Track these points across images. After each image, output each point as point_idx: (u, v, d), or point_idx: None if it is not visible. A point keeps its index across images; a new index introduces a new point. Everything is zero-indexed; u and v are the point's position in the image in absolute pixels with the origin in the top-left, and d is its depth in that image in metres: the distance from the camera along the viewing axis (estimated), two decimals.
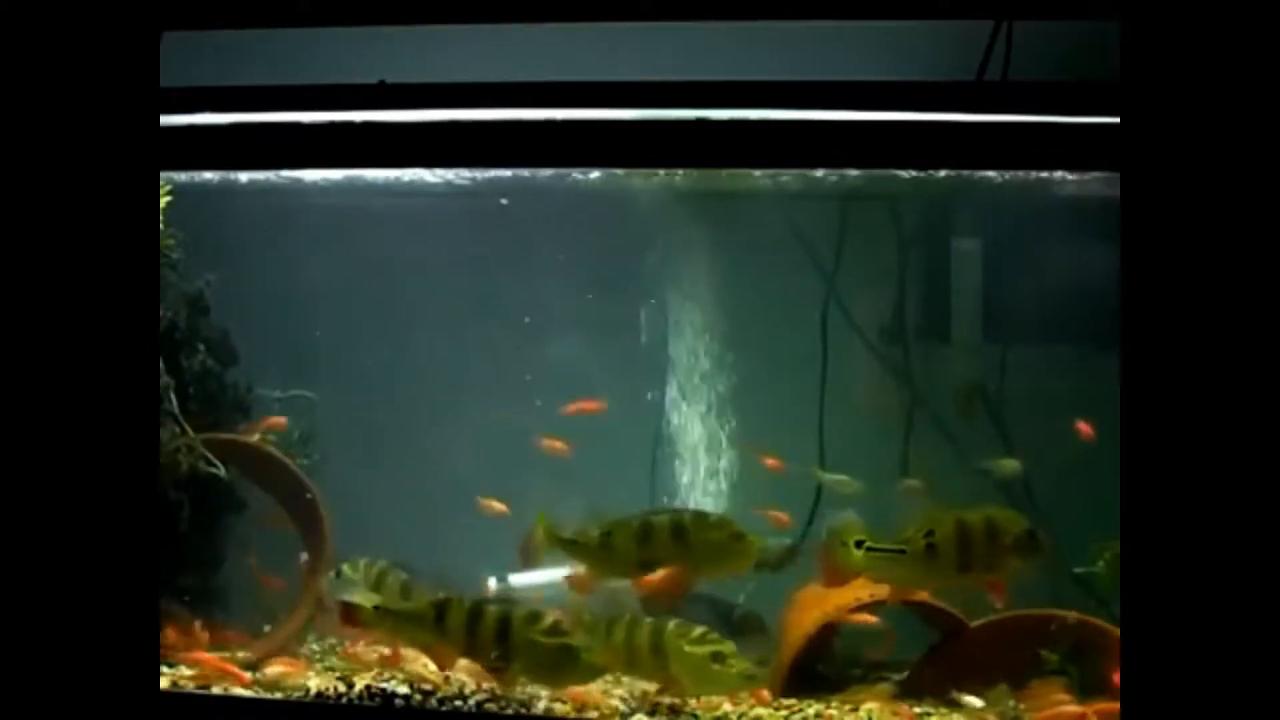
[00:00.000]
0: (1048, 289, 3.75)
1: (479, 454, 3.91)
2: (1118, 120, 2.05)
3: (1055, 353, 3.81)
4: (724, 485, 4.02)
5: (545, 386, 3.97)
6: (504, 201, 3.79)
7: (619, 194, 3.63)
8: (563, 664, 2.92)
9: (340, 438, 3.89)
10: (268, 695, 3.14)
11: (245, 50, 3.24)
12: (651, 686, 3.06)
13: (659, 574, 3.04)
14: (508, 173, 3.28)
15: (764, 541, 3.04)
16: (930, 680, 3.18)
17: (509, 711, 3.02)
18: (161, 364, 3.45)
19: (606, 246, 3.91)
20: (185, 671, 3.23)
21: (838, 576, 2.94)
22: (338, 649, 3.65)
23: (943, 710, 3.06)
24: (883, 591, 3.08)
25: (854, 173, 3.14)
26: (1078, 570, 3.36)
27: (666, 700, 3.04)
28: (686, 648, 2.92)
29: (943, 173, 3.04)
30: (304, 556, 3.66)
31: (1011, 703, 3.06)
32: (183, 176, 3.34)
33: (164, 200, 3.31)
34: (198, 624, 3.45)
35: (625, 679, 3.17)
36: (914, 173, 3.06)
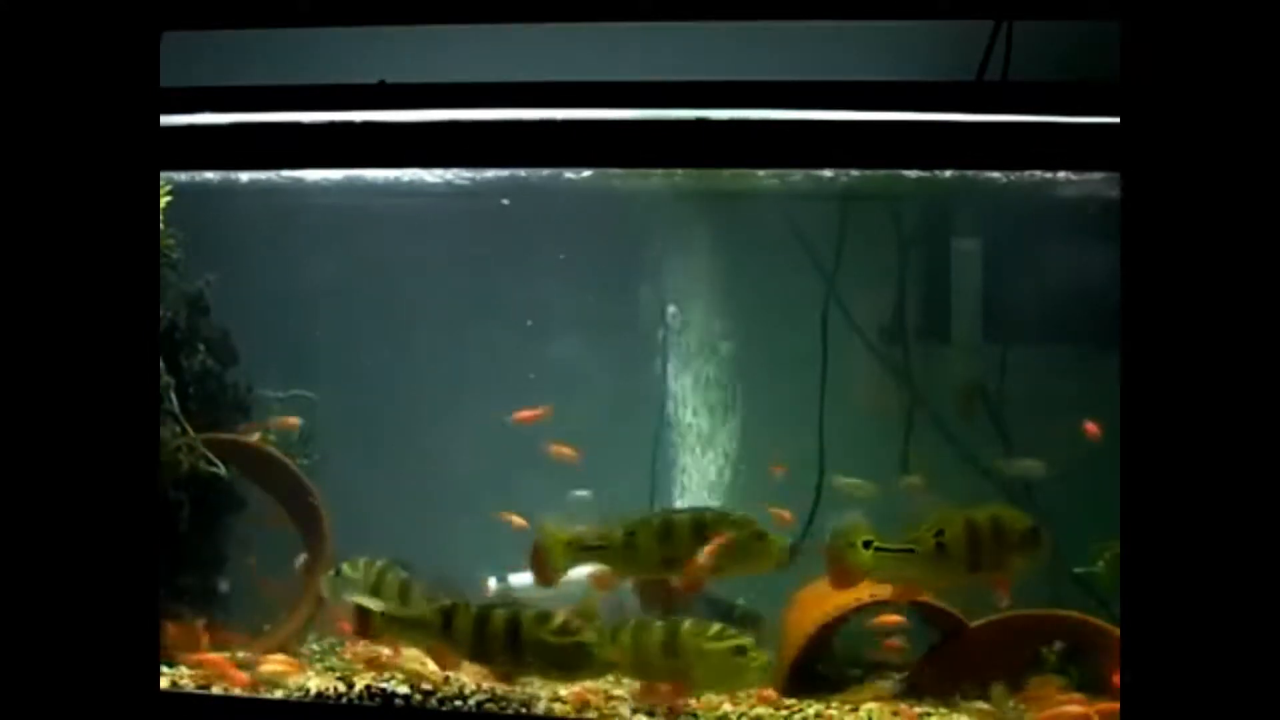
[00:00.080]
0: (1047, 289, 3.75)
1: (478, 454, 3.91)
2: (1118, 120, 2.06)
3: (1055, 353, 3.81)
4: (724, 484, 4.02)
5: (545, 386, 3.97)
6: (505, 202, 3.79)
7: (619, 194, 3.63)
8: (575, 662, 2.91)
9: (340, 437, 3.88)
10: (268, 695, 3.14)
11: (245, 50, 3.24)
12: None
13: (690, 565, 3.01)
14: (507, 173, 3.28)
15: (785, 540, 3.03)
16: (930, 680, 3.18)
17: (509, 711, 3.02)
18: (162, 364, 3.45)
19: (606, 246, 3.91)
20: (185, 671, 3.23)
21: (846, 577, 2.94)
22: (338, 649, 3.65)
23: (943, 710, 3.06)
24: (884, 592, 3.08)
25: (854, 173, 3.14)
26: (1078, 570, 3.36)
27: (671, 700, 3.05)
28: (706, 645, 2.91)
29: (943, 173, 3.04)
30: (301, 558, 3.67)
31: (1012, 703, 3.06)
32: (183, 176, 3.35)
33: (164, 200, 3.31)
34: (198, 623, 3.45)
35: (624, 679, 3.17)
36: (914, 173, 3.06)
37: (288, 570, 3.67)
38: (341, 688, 3.11)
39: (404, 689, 3.09)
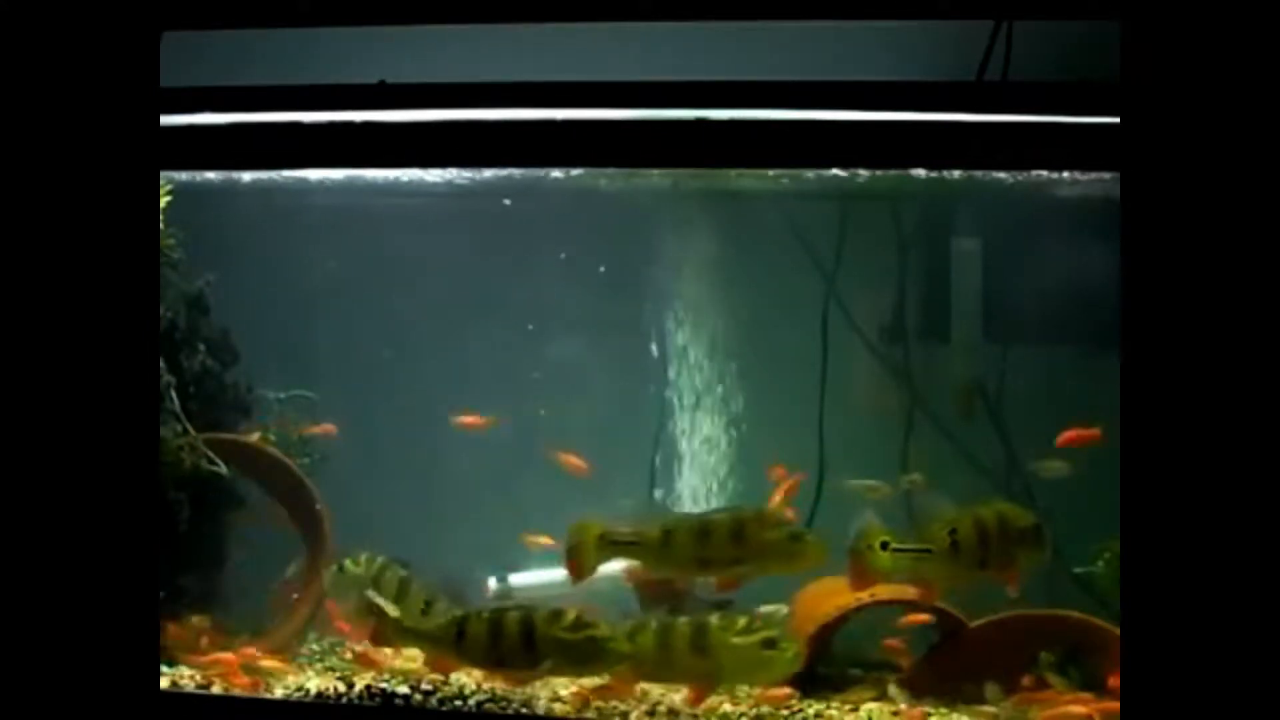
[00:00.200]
0: (1047, 289, 3.75)
1: (478, 453, 3.91)
2: (1118, 120, 2.06)
3: (1055, 353, 3.81)
4: (724, 484, 4.02)
5: (547, 386, 3.97)
6: (507, 202, 3.79)
7: (619, 194, 3.63)
8: (590, 656, 2.91)
9: (340, 437, 3.88)
10: (268, 695, 3.14)
11: (245, 50, 3.24)
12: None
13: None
14: (507, 172, 3.28)
15: (822, 541, 3.02)
16: (930, 680, 3.18)
17: (509, 711, 3.02)
18: (163, 363, 3.45)
19: (606, 247, 3.91)
20: (185, 671, 3.23)
21: (865, 578, 2.94)
22: (338, 649, 3.65)
23: (943, 710, 3.06)
24: (884, 592, 3.08)
25: (854, 172, 3.14)
26: (1078, 570, 3.36)
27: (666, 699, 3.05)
28: (734, 639, 2.89)
29: (942, 173, 3.04)
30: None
31: (1013, 703, 3.06)
32: (183, 176, 3.35)
33: (164, 200, 3.31)
34: (195, 622, 3.45)
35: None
36: (914, 173, 3.06)
37: (282, 573, 3.68)
38: (341, 688, 3.11)
39: (404, 689, 3.09)
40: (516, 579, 3.79)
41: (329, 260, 3.97)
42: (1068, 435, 3.33)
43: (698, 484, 4.02)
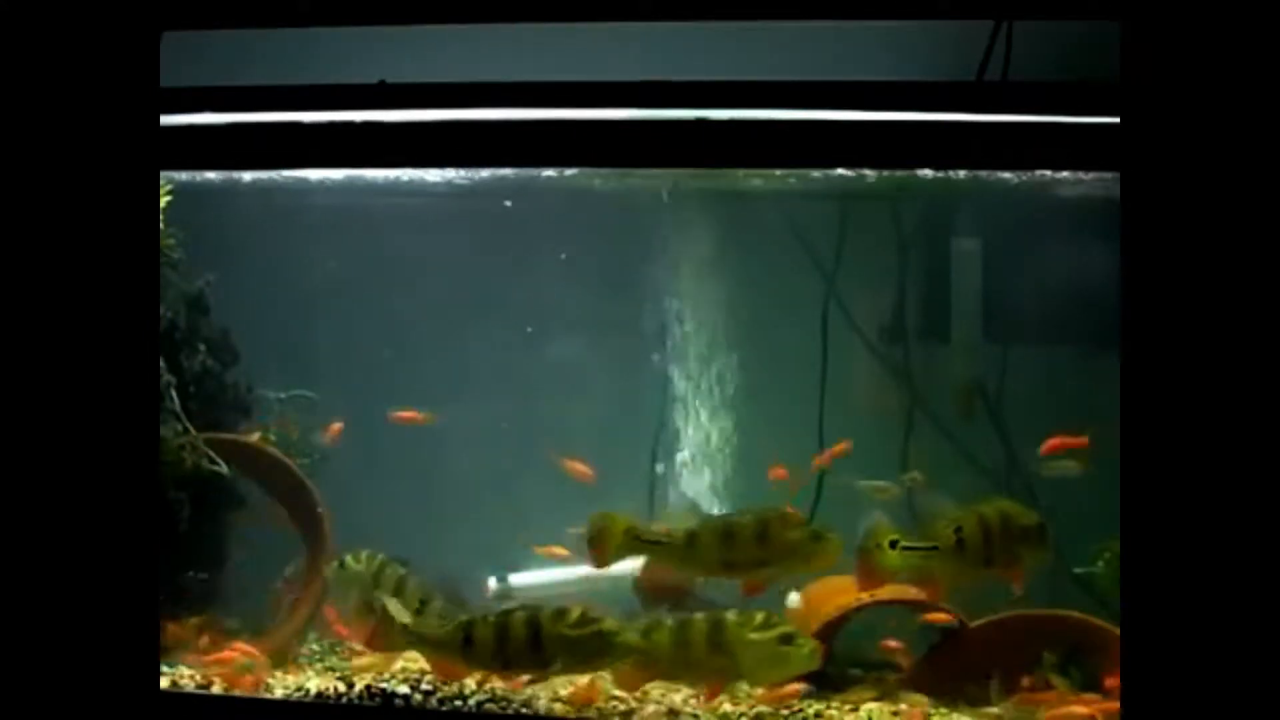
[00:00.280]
0: (1047, 289, 3.75)
1: (477, 453, 3.91)
2: (1118, 120, 2.06)
3: (1055, 353, 3.81)
4: (724, 483, 4.02)
5: (547, 385, 3.97)
6: (508, 204, 3.79)
7: (619, 194, 3.63)
8: (597, 651, 2.91)
9: (340, 437, 3.88)
10: (267, 695, 3.14)
11: (245, 50, 3.24)
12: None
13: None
14: (507, 172, 3.28)
15: (840, 541, 3.02)
16: (930, 680, 3.18)
17: (509, 711, 3.02)
18: (163, 363, 3.45)
19: (606, 247, 3.91)
20: (185, 671, 3.23)
21: (874, 577, 2.95)
22: (338, 649, 3.65)
23: (943, 710, 3.06)
24: (885, 593, 3.08)
25: (858, 172, 3.14)
26: (1078, 570, 3.36)
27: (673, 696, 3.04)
28: (752, 635, 2.89)
29: (942, 173, 3.04)
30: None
31: (1014, 703, 3.07)
32: (183, 176, 3.35)
33: (164, 200, 3.31)
34: (195, 622, 3.46)
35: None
36: (915, 173, 3.06)
37: (280, 574, 3.68)
38: (341, 688, 3.11)
39: (404, 689, 3.09)
40: (516, 579, 3.79)
41: (329, 260, 3.97)
42: (1052, 442, 3.34)
43: (698, 484, 4.02)
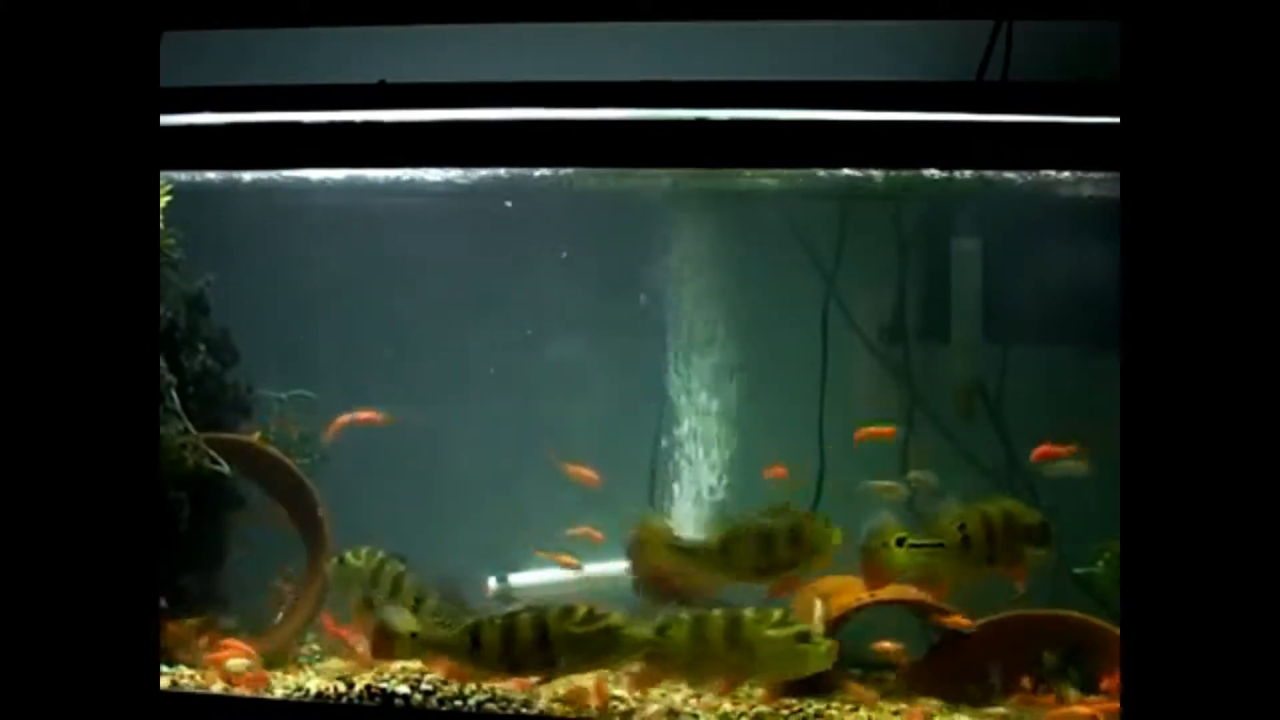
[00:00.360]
0: (1047, 289, 3.75)
1: (477, 453, 3.91)
2: (1118, 120, 2.06)
3: (1055, 353, 3.81)
4: (724, 483, 4.02)
5: (546, 385, 3.97)
6: (508, 204, 3.79)
7: (619, 194, 3.63)
8: (605, 647, 2.91)
9: (339, 437, 3.88)
10: (268, 695, 3.14)
11: (245, 50, 3.24)
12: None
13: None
14: (506, 172, 3.28)
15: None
16: (930, 680, 3.18)
17: (509, 711, 3.02)
18: (163, 363, 3.45)
19: (606, 247, 3.91)
20: (185, 671, 3.23)
21: (881, 576, 2.95)
22: (338, 650, 3.64)
23: (944, 710, 3.06)
24: (885, 593, 3.08)
25: (863, 172, 3.14)
26: (1078, 570, 3.36)
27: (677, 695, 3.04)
28: (769, 632, 2.88)
29: (942, 173, 3.04)
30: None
31: (1010, 702, 3.07)
32: (183, 176, 3.35)
33: (164, 200, 3.31)
34: (193, 623, 3.46)
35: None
36: (915, 173, 3.06)
37: (280, 571, 3.68)
38: (341, 688, 3.11)
39: (404, 689, 3.09)
40: (516, 579, 3.79)
41: (329, 260, 3.97)
42: (1041, 450, 3.35)
43: (697, 483, 4.02)
